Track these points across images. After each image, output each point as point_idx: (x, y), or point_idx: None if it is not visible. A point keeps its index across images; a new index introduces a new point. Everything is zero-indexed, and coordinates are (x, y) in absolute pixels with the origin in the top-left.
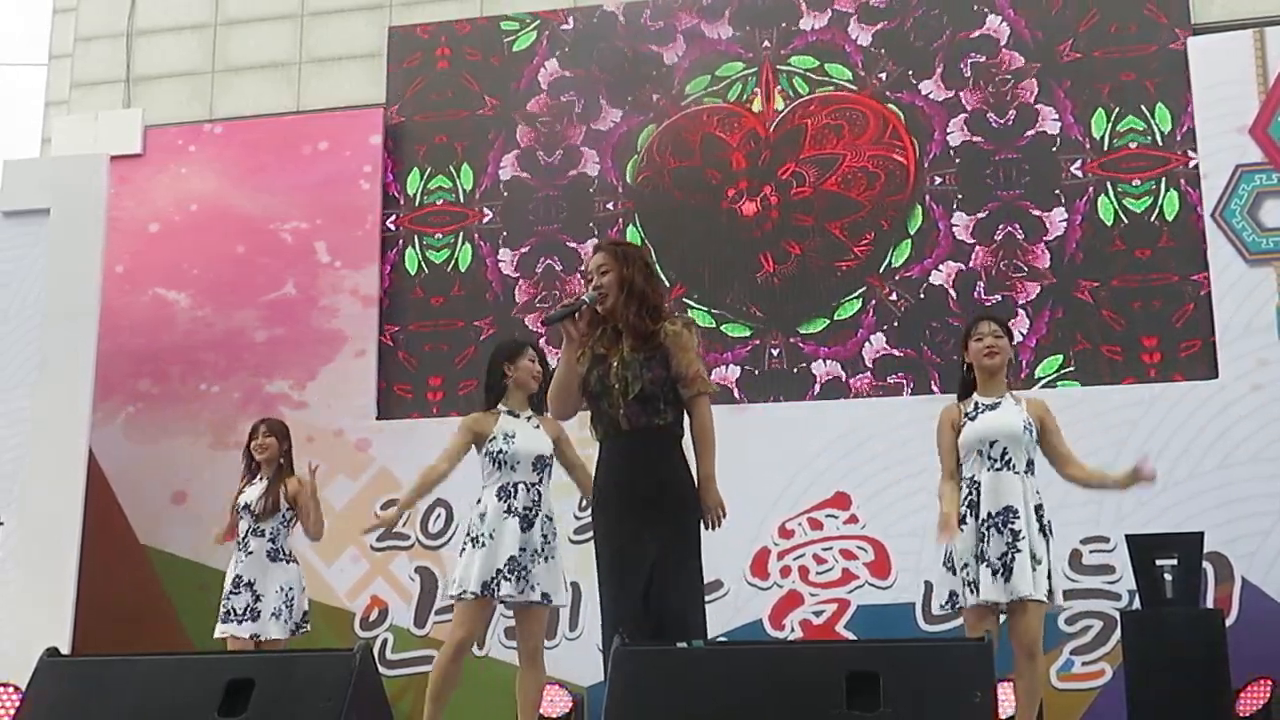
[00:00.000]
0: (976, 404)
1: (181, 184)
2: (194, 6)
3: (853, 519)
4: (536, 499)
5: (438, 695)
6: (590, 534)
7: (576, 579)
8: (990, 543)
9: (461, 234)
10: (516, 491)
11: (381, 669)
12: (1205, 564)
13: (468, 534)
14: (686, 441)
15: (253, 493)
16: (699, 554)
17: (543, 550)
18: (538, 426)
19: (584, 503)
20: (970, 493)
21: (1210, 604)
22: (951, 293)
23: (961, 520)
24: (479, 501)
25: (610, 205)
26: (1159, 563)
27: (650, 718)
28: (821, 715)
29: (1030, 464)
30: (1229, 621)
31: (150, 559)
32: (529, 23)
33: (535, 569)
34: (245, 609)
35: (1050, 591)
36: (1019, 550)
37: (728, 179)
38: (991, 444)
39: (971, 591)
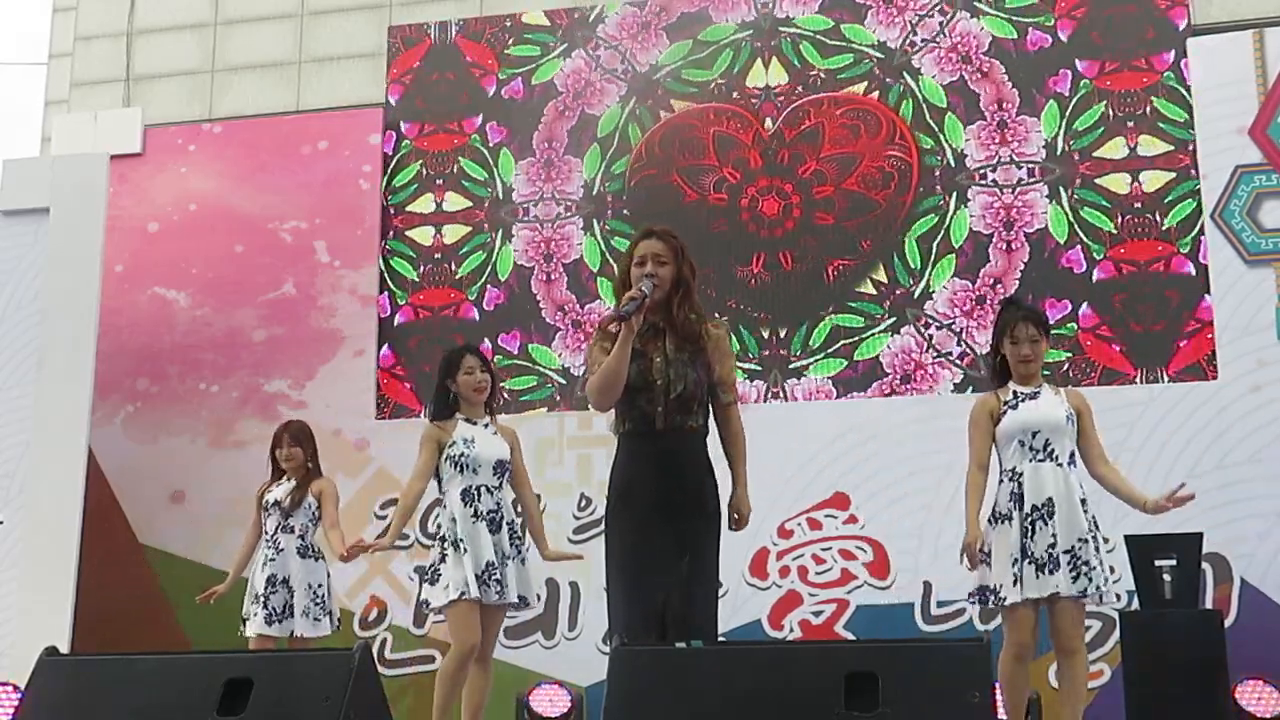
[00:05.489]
0: (1015, 393)
1: (181, 183)
2: (194, 6)
3: (852, 519)
4: (499, 503)
5: (445, 706)
6: (590, 534)
7: (576, 579)
8: (1035, 537)
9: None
10: (480, 495)
11: (380, 669)
12: (1204, 564)
13: (442, 538)
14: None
15: (280, 490)
16: (718, 563)
17: (512, 553)
18: (495, 433)
19: (583, 502)
20: (1014, 485)
21: (1209, 605)
22: (954, 293)
23: (1007, 516)
24: (443, 505)
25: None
26: (1158, 563)
27: (649, 718)
28: (820, 715)
29: (1074, 455)
30: (1228, 622)
31: (149, 558)
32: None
33: (506, 571)
34: (284, 607)
35: (1098, 590)
36: (1057, 545)
37: (744, 178)
38: (1034, 434)
39: (1015, 586)
